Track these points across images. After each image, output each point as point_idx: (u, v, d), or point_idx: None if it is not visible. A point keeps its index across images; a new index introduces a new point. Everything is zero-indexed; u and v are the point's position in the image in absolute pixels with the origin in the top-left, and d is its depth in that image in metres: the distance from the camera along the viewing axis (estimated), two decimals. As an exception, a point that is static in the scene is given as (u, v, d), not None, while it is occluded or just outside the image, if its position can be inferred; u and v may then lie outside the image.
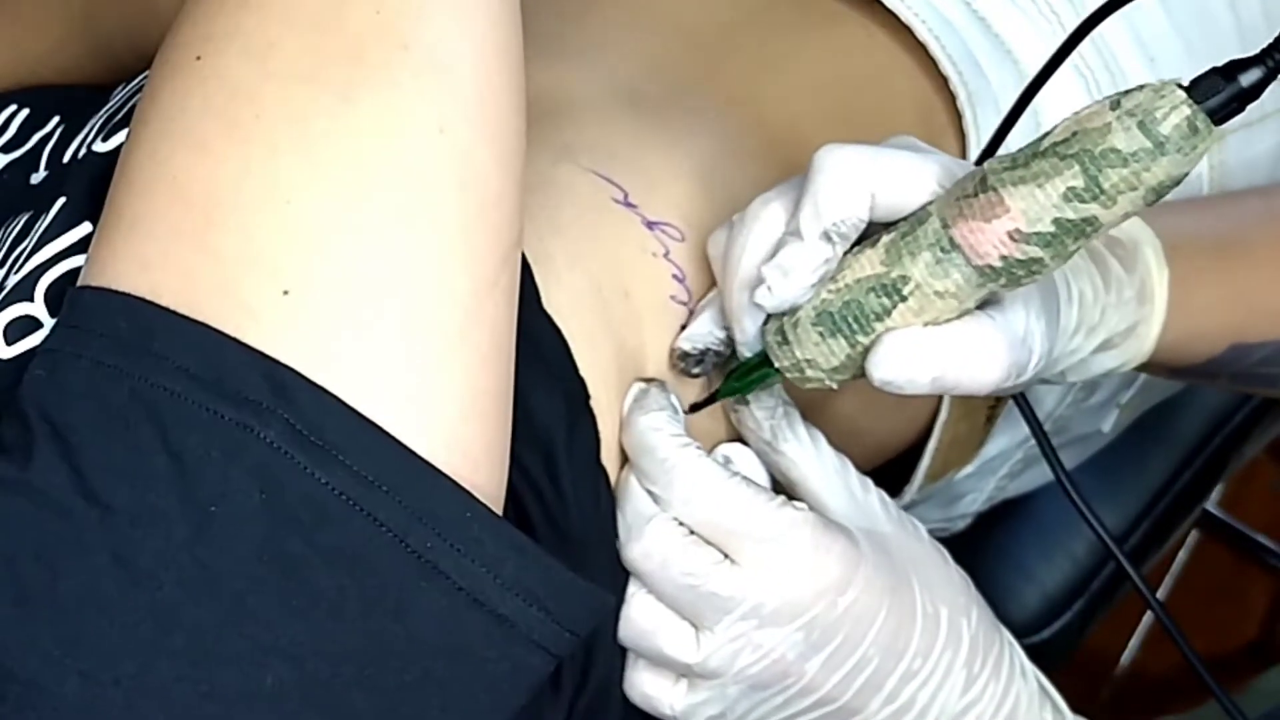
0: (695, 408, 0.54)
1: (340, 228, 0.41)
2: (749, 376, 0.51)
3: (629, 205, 0.55)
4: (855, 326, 0.48)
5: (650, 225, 0.55)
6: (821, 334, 0.49)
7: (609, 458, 0.51)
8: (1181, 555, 1.40)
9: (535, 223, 0.52)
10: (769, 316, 0.50)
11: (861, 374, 0.49)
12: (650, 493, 0.50)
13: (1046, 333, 0.51)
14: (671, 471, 0.49)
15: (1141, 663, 1.39)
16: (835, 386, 0.50)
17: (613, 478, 0.51)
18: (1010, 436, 0.71)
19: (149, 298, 0.41)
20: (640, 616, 0.51)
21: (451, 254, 0.42)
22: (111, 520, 0.39)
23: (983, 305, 0.48)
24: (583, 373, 0.50)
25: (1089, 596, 0.92)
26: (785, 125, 0.62)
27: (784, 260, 0.48)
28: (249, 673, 0.39)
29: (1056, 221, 0.44)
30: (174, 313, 0.41)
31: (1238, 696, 0.61)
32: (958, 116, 0.64)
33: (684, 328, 0.54)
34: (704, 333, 0.54)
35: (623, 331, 0.53)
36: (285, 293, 0.40)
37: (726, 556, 0.50)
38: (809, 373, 0.49)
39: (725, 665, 0.50)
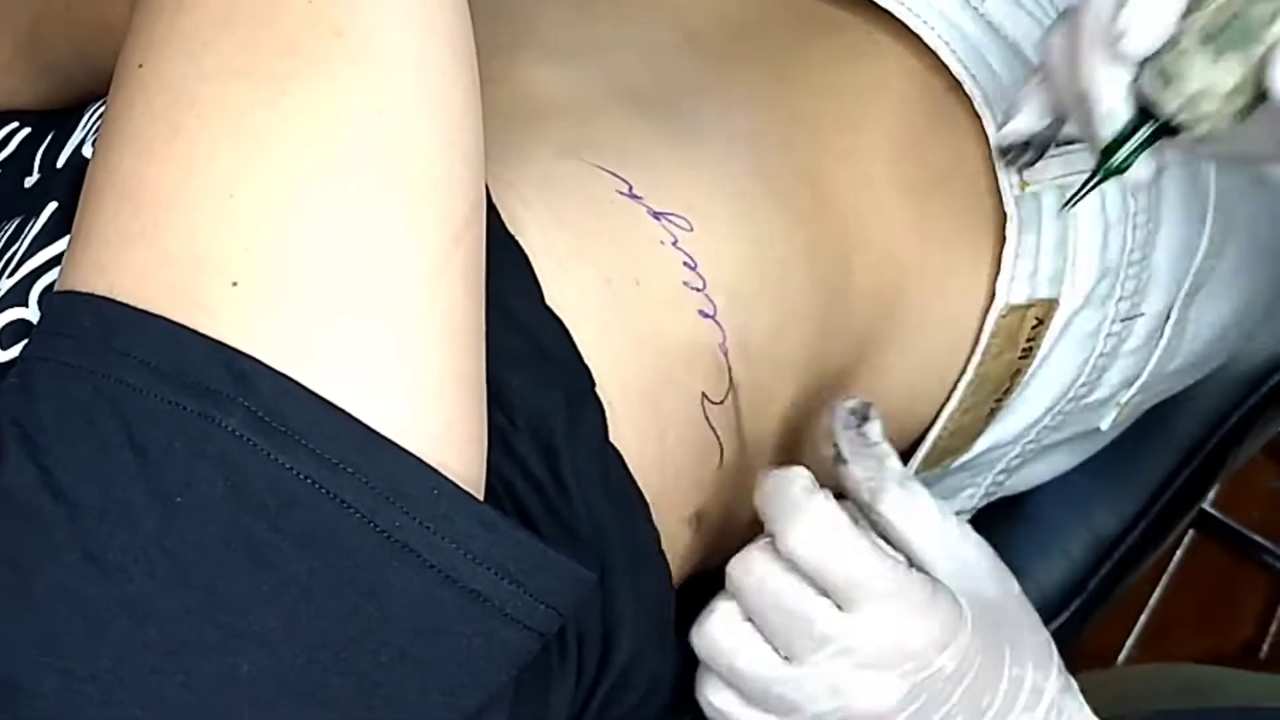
0: (1070, 203, 0.52)
1: (282, 216, 0.41)
2: (1129, 145, 0.49)
3: (634, 197, 0.55)
4: (1246, 36, 0.47)
5: (656, 216, 0.55)
6: (1213, 56, 0.47)
7: (620, 438, 0.51)
8: (1178, 555, 1.40)
9: (538, 217, 0.52)
10: (1138, 71, 0.49)
11: (1257, 97, 0.47)
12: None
13: None
14: (797, 513, 0.51)
15: (1139, 662, 1.39)
16: (1229, 122, 0.48)
17: (626, 457, 0.51)
18: (1007, 429, 0.71)
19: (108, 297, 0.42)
20: (722, 632, 0.52)
21: (396, 233, 0.43)
22: (80, 517, 0.39)
23: None
24: (589, 361, 0.51)
25: (1086, 596, 0.92)
26: (791, 126, 0.62)
27: None
28: (224, 661, 0.40)
29: None
30: (136, 308, 0.41)
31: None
32: (973, 118, 0.64)
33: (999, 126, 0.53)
34: (1028, 122, 0.53)
35: (634, 319, 0.53)
36: (234, 284, 0.41)
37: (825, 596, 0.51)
38: (1203, 107, 0.48)
39: (804, 702, 0.51)
